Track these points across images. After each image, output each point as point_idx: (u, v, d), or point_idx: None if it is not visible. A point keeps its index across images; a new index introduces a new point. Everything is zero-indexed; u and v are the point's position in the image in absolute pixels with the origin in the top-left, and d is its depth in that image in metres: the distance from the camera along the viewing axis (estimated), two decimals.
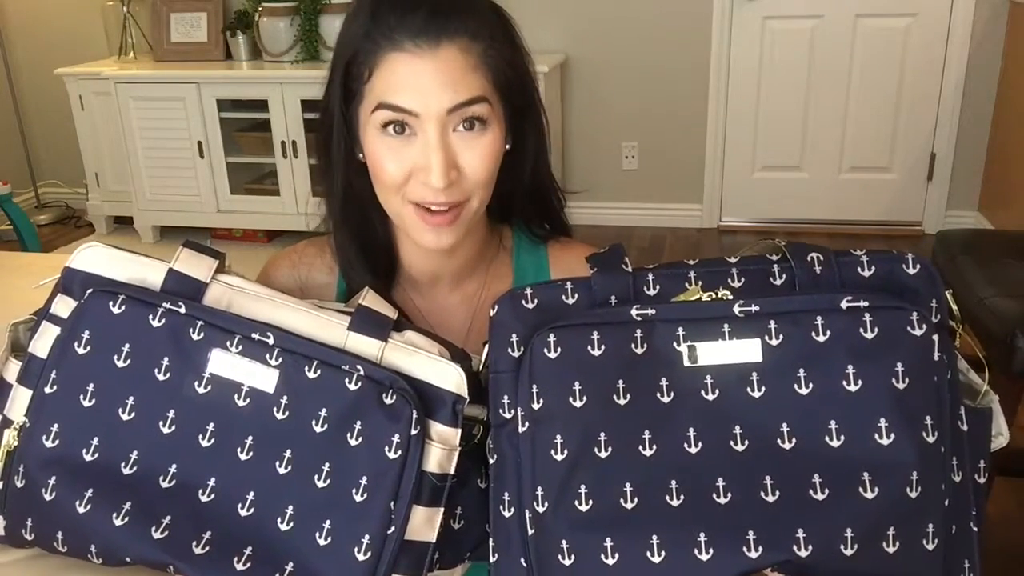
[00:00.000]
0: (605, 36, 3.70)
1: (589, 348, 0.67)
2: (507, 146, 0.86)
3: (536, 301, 0.71)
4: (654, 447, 0.66)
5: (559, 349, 0.68)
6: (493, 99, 0.82)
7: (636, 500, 0.65)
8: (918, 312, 0.66)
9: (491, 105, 0.81)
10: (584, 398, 0.67)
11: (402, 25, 0.78)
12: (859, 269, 0.71)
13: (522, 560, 0.69)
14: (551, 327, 0.68)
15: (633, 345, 0.68)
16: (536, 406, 0.68)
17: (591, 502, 0.66)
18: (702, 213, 3.91)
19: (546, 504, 0.67)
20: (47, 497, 0.72)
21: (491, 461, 0.71)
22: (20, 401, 0.75)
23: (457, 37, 0.79)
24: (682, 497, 0.65)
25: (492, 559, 0.71)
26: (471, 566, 0.78)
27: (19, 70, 4.25)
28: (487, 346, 0.72)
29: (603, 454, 0.66)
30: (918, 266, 0.70)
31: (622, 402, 0.67)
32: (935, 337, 0.66)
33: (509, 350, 0.70)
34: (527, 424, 0.68)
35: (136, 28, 3.95)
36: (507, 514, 0.70)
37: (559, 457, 0.66)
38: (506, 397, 0.70)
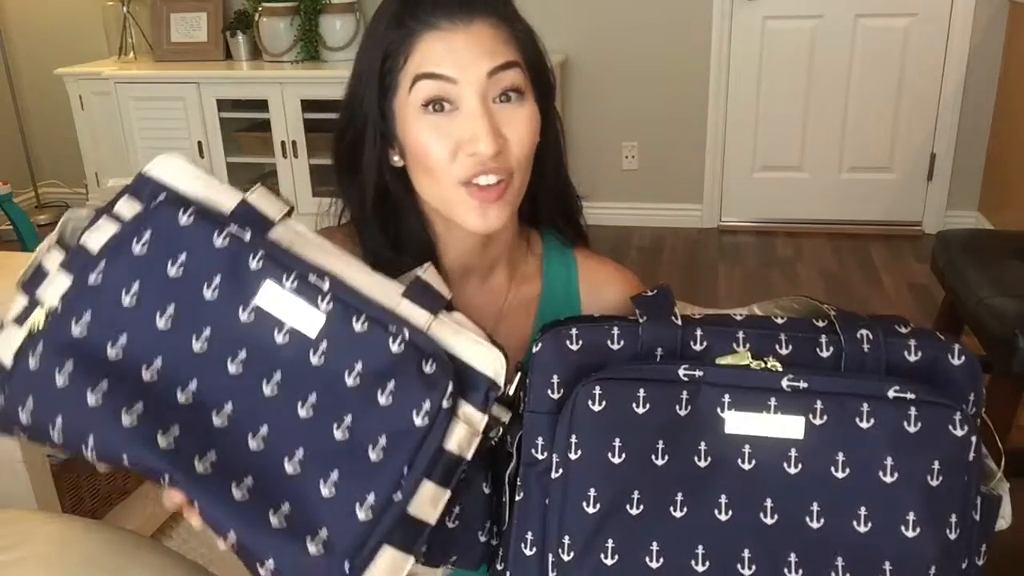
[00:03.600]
0: (605, 36, 3.70)
1: (634, 405, 0.67)
2: (538, 138, 0.87)
3: (580, 343, 0.71)
4: (685, 509, 0.67)
5: (604, 403, 0.67)
6: (526, 73, 0.84)
7: (662, 560, 0.66)
8: (961, 412, 0.67)
9: (525, 77, 0.83)
10: (623, 455, 0.67)
11: (436, 7, 0.81)
12: (906, 353, 0.71)
13: None
14: (598, 378, 0.68)
15: (678, 406, 0.68)
16: (573, 456, 0.68)
17: (617, 557, 0.66)
18: (702, 213, 3.91)
19: (572, 554, 0.67)
20: (59, 380, 0.70)
21: (517, 498, 0.71)
22: (57, 286, 0.73)
23: (487, 15, 0.82)
24: (707, 564, 0.66)
25: None
26: (451, 572, 0.77)
27: (19, 70, 4.24)
28: (520, 372, 0.72)
29: (634, 511, 0.67)
30: (963, 358, 0.71)
31: (660, 462, 0.67)
32: (973, 439, 0.67)
33: (549, 392, 0.70)
34: (561, 471, 0.68)
35: (136, 28, 3.95)
36: (528, 552, 0.70)
37: (590, 510, 0.67)
38: (541, 439, 0.70)
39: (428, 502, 0.69)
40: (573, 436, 0.68)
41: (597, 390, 0.67)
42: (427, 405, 0.68)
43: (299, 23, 3.68)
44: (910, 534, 0.66)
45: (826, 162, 3.76)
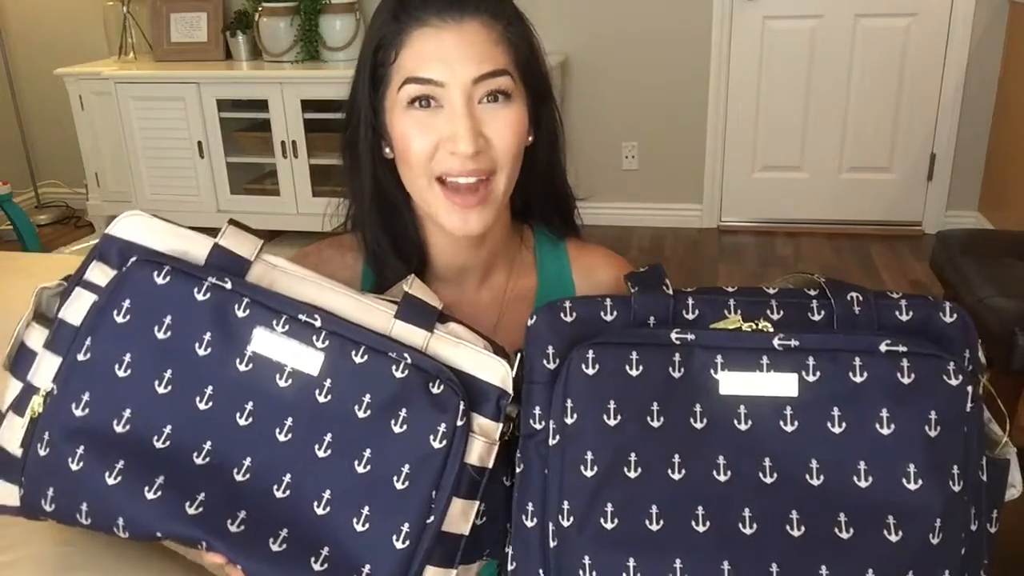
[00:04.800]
0: (605, 36, 3.70)
1: (627, 368, 0.68)
2: (530, 138, 0.87)
3: (575, 315, 0.71)
4: (683, 471, 0.66)
5: (597, 366, 0.68)
6: (515, 77, 0.84)
7: (662, 522, 0.66)
8: (955, 362, 0.67)
9: (514, 82, 0.84)
10: (618, 417, 0.67)
11: (428, 3, 0.82)
12: (897, 313, 0.71)
13: (540, 571, 0.69)
14: (591, 343, 0.68)
15: (671, 369, 0.68)
16: (569, 421, 0.68)
17: (617, 521, 0.66)
18: (702, 213, 3.91)
19: (571, 519, 0.67)
20: (73, 467, 0.69)
21: (518, 470, 0.71)
22: (47, 367, 0.72)
23: (479, 13, 0.82)
24: (708, 524, 0.65)
25: (510, 567, 0.71)
26: (487, 563, 0.78)
27: (19, 70, 4.24)
28: (519, 355, 0.72)
29: (632, 474, 0.66)
30: (955, 315, 0.71)
31: (655, 424, 0.67)
32: (969, 388, 0.67)
33: (544, 361, 0.70)
34: (558, 437, 0.68)
35: (136, 28, 3.95)
36: (529, 524, 0.70)
37: (588, 473, 0.67)
38: (538, 408, 0.70)
39: (460, 516, 0.70)
40: (568, 400, 0.68)
41: (590, 354, 0.68)
42: (443, 428, 0.68)
43: (299, 23, 3.67)
44: (912, 486, 0.65)
45: (826, 162, 3.76)
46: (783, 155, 3.79)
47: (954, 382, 0.66)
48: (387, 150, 0.88)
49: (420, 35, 0.82)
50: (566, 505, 0.67)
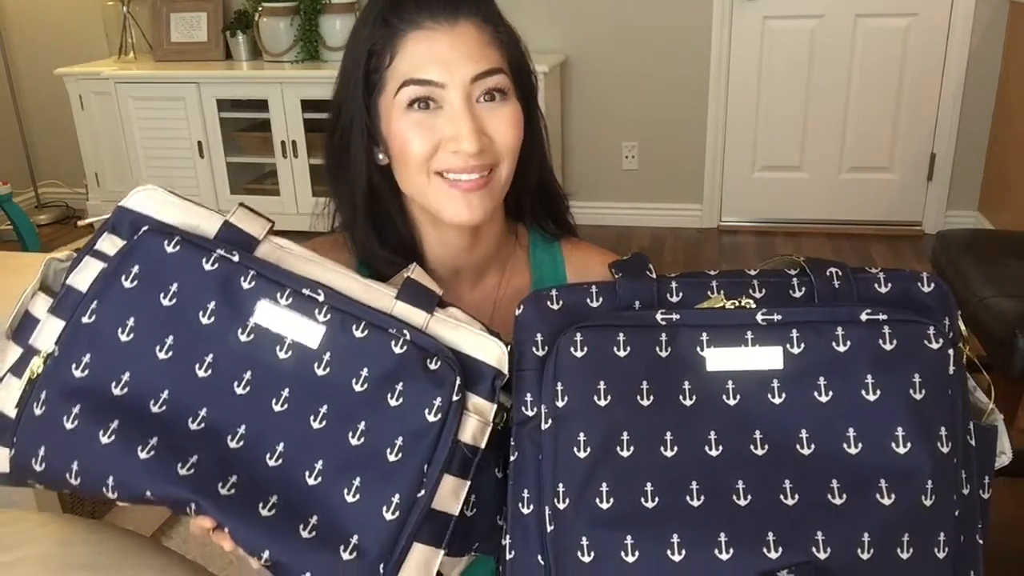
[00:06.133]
0: (605, 36, 3.70)
1: (615, 349, 0.69)
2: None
3: (561, 302, 0.72)
4: (675, 448, 0.67)
5: (585, 348, 0.69)
6: (510, 76, 0.85)
7: (657, 499, 0.66)
8: (934, 327, 0.68)
9: (509, 80, 0.85)
10: (608, 397, 0.68)
11: (420, 7, 0.82)
12: (876, 286, 0.72)
13: (539, 557, 0.69)
14: (578, 326, 0.69)
15: (658, 348, 0.69)
16: (560, 404, 0.69)
17: (612, 500, 0.66)
18: (702, 213, 3.91)
19: (567, 501, 0.67)
20: (68, 425, 0.70)
21: (511, 459, 0.72)
22: (50, 331, 0.73)
23: (471, 16, 0.83)
24: (702, 498, 0.66)
25: (508, 556, 0.71)
26: (476, 559, 0.78)
27: (19, 70, 4.24)
28: (509, 347, 0.73)
29: (625, 453, 0.67)
30: (932, 285, 0.72)
31: (645, 403, 0.68)
32: (950, 352, 0.68)
33: (533, 349, 0.71)
34: (550, 421, 0.69)
35: (136, 28, 3.95)
36: (526, 511, 0.70)
37: (582, 455, 0.67)
38: (529, 395, 0.71)
39: (450, 495, 0.70)
40: (559, 384, 0.69)
41: (578, 337, 0.69)
42: (438, 401, 0.69)
43: (299, 23, 3.68)
44: (901, 450, 0.66)
45: (826, 162, 3.76)
46: (783, 155, 3.79)
47: (935, 346, 0.68)
48: (380, 156, 0.88)
49: (415, 38, 0.82)
50: (561, 488, 0.68)
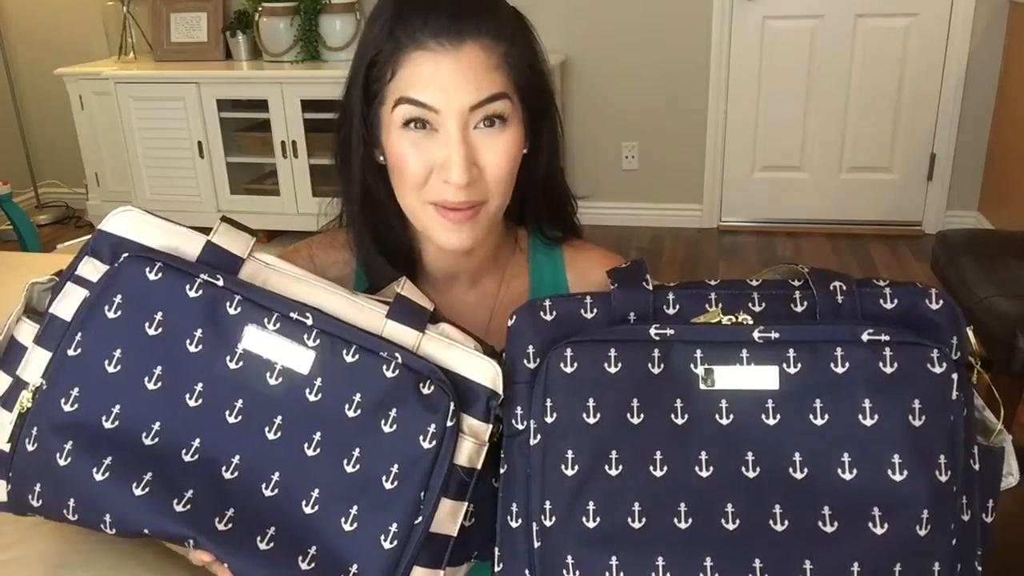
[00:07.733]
0: (605, 36, 3.70)
1: (605, 365, 0.67)
2: (524, 150, 0.87)
3: (554, 313, 0.71)
4: (665, 468, 0.66)
5: (575, 364, 0.67)
6: (514, 99, 0.83)
7: (644, 520, 0.65)
8: (938, 350, 0.66)
9: (511, 104, 0.82)
10: (598, 415, 0.67)
11: (426, 25, 0.79)
12: (881, 301, 0.70)
13: (527, 572, 0.69)
14: (568, 341, 0.68)
15: (650, 364, 0.67)
16: (549, 420, 0.67)
17: (599, 519, 0.66)
18: (702, 213, 3.91)
19: (554, 518, 0.67)
20: (61, 462, 0.69)
21: (502, 470, 0.71)
22: (36, 362, 0.72)
23: (480, 37, 0.80)
24: (690, 520, 0.65)
25: (497, 568, 0.71)
26: (475, 565, 0.78)
27: (19, 70, 4.24)
28: (502, 355, 0.72)
29: (613, 472, 0.66)
30: (941, 302, 0.70)
31: (635, 421, 0.66)
32: (954, 376, 0.66)
33: (525, 361, 0.70)
34: (539, 437, 0.68)
35: (136, 28, 3.95)
36: (514, 524, 0.70)
37: (569, 472, 0.66)
38: (519, 408, 0.70)
39: (448, 517, 0.70)
40: (548, 399, 0.67)
41: (568, 352, 0.68)
42: (432, 428, 0.68)
43: (299, 23, 3.68)
44: (897, 477, 0.64)
45: (826, 162, 3.76)
46: (783, 155, 3.79)
47: (938, 370, 0.65)
48: (380, 157, 0.87)
49: (417, 58, 0.80)
50: (548, 505, 0.67)
